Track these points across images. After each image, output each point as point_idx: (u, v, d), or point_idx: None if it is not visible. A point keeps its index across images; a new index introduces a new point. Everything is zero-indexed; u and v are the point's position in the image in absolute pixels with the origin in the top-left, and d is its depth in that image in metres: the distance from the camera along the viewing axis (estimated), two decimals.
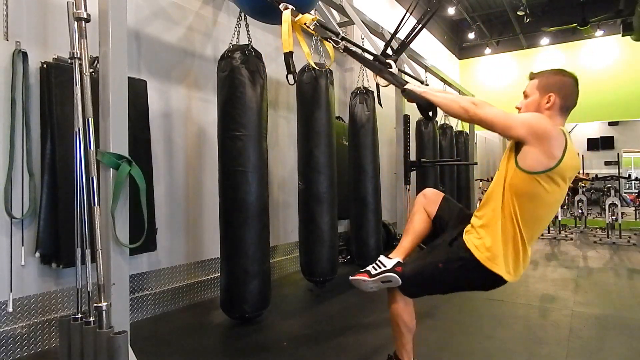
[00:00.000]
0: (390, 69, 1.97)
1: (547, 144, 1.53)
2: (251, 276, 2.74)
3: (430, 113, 1.84)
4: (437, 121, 6.13)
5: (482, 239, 1.66)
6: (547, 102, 1.64)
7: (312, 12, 3.24)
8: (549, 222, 1.71)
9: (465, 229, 1.73)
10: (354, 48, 2.12)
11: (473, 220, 1.74)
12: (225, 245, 2.81)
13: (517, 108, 1.75)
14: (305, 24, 2.10)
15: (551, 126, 1.55)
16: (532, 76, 1.74)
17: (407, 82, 1.91)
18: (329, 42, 2.12)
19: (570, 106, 1.67)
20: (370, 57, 2.02)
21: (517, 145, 1.60)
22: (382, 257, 1.83)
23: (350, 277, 1.84)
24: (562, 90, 1.64)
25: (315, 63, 3.44)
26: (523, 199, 1.60)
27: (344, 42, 2.11)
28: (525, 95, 1.73)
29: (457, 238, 1.73)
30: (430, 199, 1.93)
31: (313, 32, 2.12)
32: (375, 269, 1.80)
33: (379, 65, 1.99)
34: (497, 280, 1.68)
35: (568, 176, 1.61)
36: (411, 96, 1.83)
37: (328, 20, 3.63)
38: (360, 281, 1.81)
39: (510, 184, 1.61)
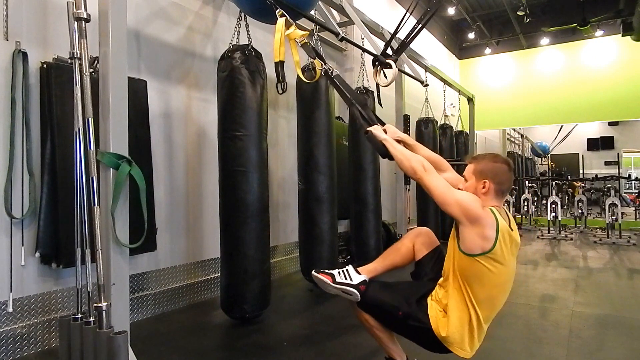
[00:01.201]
0: (386, 72, 1.97)
1: (478, 227, 1.57)
2: (251, 276, 2.74)
3: (388, 157, 1.88)
4: (437, 121, 6.13)
5: (441, 316, 1.69)
6: (483, 187, 1.70)
7: (312, 12, 3.24)
8: (506, 298, 1.74)
9: (431, 293, 1.76)
10: (337, 82, 2.14)
11: (437, 288, 1.76)
12: (225, 245, 2.81)
13: (458, 189, 1.78)
14: (295, 39, 2.12)
15: (480, 208, 1.58)
16: (470, 161, 1.80)
17: (375, 125, 1.94)
18: (318, 60, 2.14)
19: (505, 190, 1.74)
20: (370, 57, 2.02)
21: (457, 228, 1.64)
22: (351, 269, 1.85)
23: (313, 272, 1.86)
24: (496, 177, 1.70)
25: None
26: (472, 281, 1.64)
27: (326, 67, 2.12)
28: (465, 179, 1.78)
29: (424, 296, 1.76)
30: (427, 239, 1.94)
31: (302, 48, 2.14)
32: (341, 278, 1.82)
33: (350, 99, 2.02)
34: (446, 352, 1.71)
35: (511, 253, 1.64)
36: (370, 141, 1.89)
37: (328, 20, 3.62)
38: (322, 281, 1.82)
39: (458, 267, 1.66)
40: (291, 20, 2.19)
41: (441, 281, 1.77)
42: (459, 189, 1.72)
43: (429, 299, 1.75)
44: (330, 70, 2.12)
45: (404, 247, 1.93)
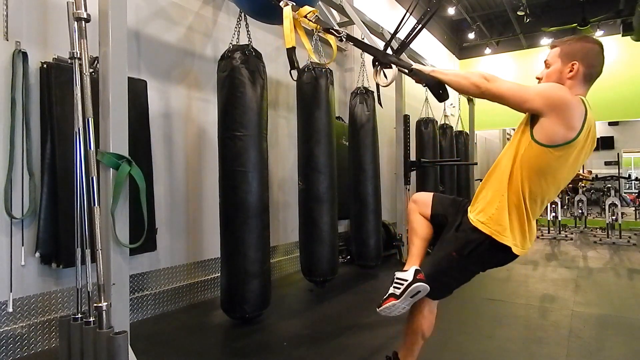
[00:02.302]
0: (386, 72, 1.94)
1: (565, 115, 1.45)
2: (251, 276, 2.74)
3: (441, 92, 1.76)
4: (437, 121, 6.13)
5: (486, 211, 1.61)
6: (570, 71, 1.56)
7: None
8: (552, 200, 1.67)
9: (468, 209, 1.69)
10: (361, 42, 2.08)
11: (476, 199, 1.69)
12: (225, 245, 2.81)
13: (537, 78, 1.68)
14: (306, 16, 2.09)
15: (570, 95, 1.48)
16: (554, 44, 1.66)
17: (413, 64, 1.86)
18: (332, 32, 2.10)
19: (594, 74, 1.58)
20: (371, 57, 2.02)
21: (533, 118, 1.53)
22: (398, 273, 1.73)
23: (379, 309, 1.72)
24: (587, 58, 1.55)
25: (316, 63, 3.44)
26: (534, 173, 1.54)
27: (345, 30, 2.08)
28: (547, 65, 1.64)
29: (462, 222, 1.69)
30: (421, 202, 1.89)
31: (314, 25, 2.11)
32: (398, 288, 1.69)
33: (382, 51, 1.94)
34: (508, 253, 1.62)
35: (585, 151, 1.55)
36: (419, 76, 1.77)
37: (328, 20, 3.63)
38: (390, 307, 1.69)
39: (523, 158, 1.55)
40: (297, 6, 2.17)
41: (479, 192, 1.70)
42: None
43: (465, 218, 1.67)
44: (346, 33, 2.06)
45: (415, 220, 1.88)
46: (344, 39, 2.07)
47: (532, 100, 1.48)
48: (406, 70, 1.82)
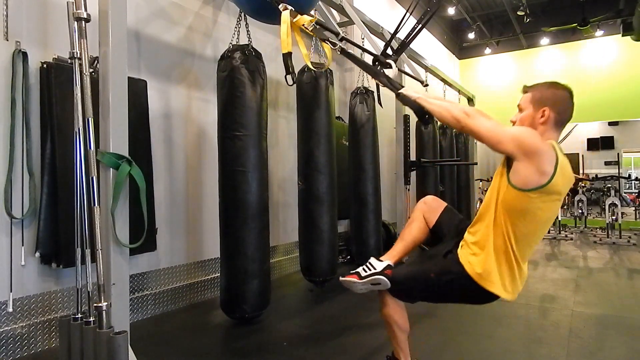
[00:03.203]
0: (386, 72, 1.96)
1: (537, 160, 1.48)
2: (251, 276, 2.74)
3: (426, 116, 1.82)
4: (437, 121, 6.12)
5: (476, 255, 1.64)
6: (542, 117, 1.60)
7: (312, 12, 3.24)
8: (541, 238, 1.68)
9: (460, 243, 1.72)
10: (351, 50, 2.12)
11: (466, 236, 1.72)
12: (225, 245, 2.81)
13: (511, 122, 1.72)
14: (303, 25, 2.10)
15: (540, 142, 1.51)
16: (526, 90, 1.70)
17: (403, 87, 1.90)
18: (327, 43, 2.12)
19: (565, 120, 1.63)
20: (370, 57, 2.02)
21: (509, 161, 1.58)
22: (372, 259, 1.83)
23: (341, 278, 1.85)
24: (557, 105, 1.61)
25: (315, 63, 3.44)
26: (515, 216, 1.58)
27: (341, 44, 2.11)
28: (520, 109, 1.69)
29: (452, 250, 1.72)
30: (432, 207, 1.91)
31: (311, 34, 2.12)
32: (365, 271, 1.79)
33: (374, 68, 1.99)
34: (489, 297, 1.66)
35: (562, 191, 1.58)
36: (404, 101, 1.84)
37: (328, 20, 3.62)
38: (350, 282, 1.80)
39: (503, 201, 1.59)
40: (296, 12, 2.17)
41: (471, 227, 1.72)
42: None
43: (457, 249, 1.70)
44: (344, 44, 2.09)
45: (416, 221, 1.90)
46: (338, 52, 2.09)
47: (506, 143, 1.52)
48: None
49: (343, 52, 2.08)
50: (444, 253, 1.74)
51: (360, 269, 1.81)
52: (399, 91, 1.85)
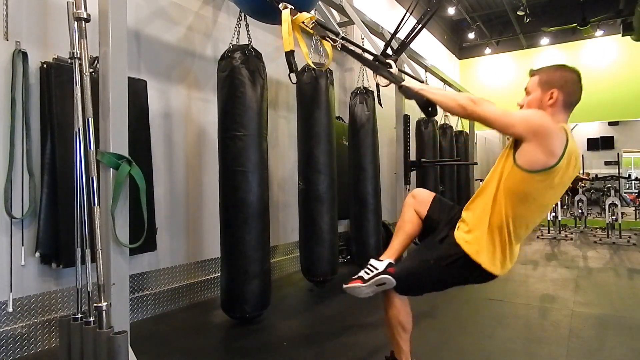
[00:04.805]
0: (388, 68, 1.96)
1: (546, 142, 1.49)
2: (251, 276, 2.74)
3: (430, 109, 1.81)
4: (437, 121, 6.12)
5: (471, 232, 1.65)
6: (550, 99, 1.60)
7: (312, 12, 3.23)
8: (537, 224, 1.69)
9: (457, 225, 1.72)
10: (352, 47, 2.12)
11: (463, 213, 1.73)
12: (225, 245, 2.81)
13: (519, 105, 1.72)
14: (303, 22, 2.09)
15: (552, 123, 1.51)
16: (533, 73, 1.70)
17: (404, 80, 1.89)
18: (327, 40, 2.12)
19: (573, 102, 1.63)
20: (370, 57, 2.02)
21: (517, 143, 1.57)
22: (372, 261, 1.81)
23: (344, 286, 1.81)
24: (565, 87, 1.60)
25: (316, 63, 3.44)
26: (516, 197, 1.58)
27: (342, 41, 2.10)
28: (527, 92, 1.69)
29: (447, 235, 1.72)
30: (420, 199, 1.91)
31: (311, 31, 2.12)
32: (368, 274, 1.77)
33: (375, 63, 1.98)
34: (486, 274, 1.66)
35: (568, 176, 1.58)
36: (408, 93, 1.82)
37: (328, 20, 3.63)
38: (354, 288, 1.78)
39: (506, 182, 1.59)
40: (296, 10, 2.17)
41: (469, 204, 1.73)
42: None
43: (453, 231, 1.70)
44: (344, 40, 2.08)
45: (408, 215, 1.90)
46: (339, 49, 2.09)
47: (516, 125, 1.52)
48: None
49: (344, 48, 2.08)
50: (439, 239, 1.74)
51: (362, 273, 1.79)
52: (402, 83, 1.84)
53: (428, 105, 1.80)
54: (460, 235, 1.68)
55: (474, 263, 1.63)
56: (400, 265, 1.80)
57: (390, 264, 1.78)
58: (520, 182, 1.56)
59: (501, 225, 1.61)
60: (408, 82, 1.87)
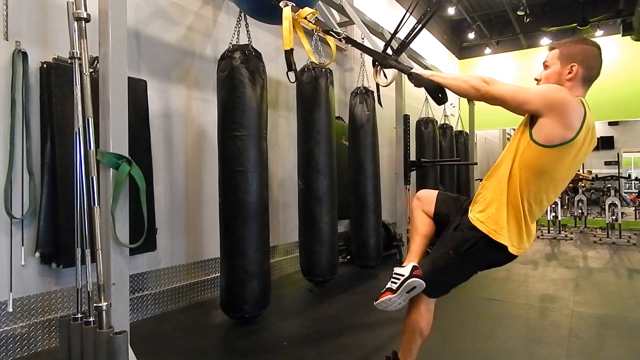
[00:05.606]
0: (386, 72, 1.95)
1: (564, 115, 1.47)
2: (251, 276, 2.74)
3: (440, 95, 1.77)
4: (437, 121, 6.13)
5: (485, 210, 1.63)
6: (569, 73, 1.57)
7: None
8: (552, 201, 1.65)
9: (469, 209, 1.70)
10: (351, 49, 2.11)
11: (477, 197, 1.71)
12: (225, 245, 2.81)
13: (536, 80, 1.70)
14: (305, 17, 2.08)
15: (569, 96, 1.49)
16: (552, 47, 1.67)
17: (412, 68, 1.87)
18: (331, 34, 2.11)
19: (593, 76, 1.60)
20: (370, 57, 2.02)
21: (532, 119, 1.55)
22: (396, 269, 1.75)
23: (375, 303, 1.74)
24: (585, 60, 1.57)
25: (316, 63, 3.44)
26: (532, 174, 1.56)
27: (345, 34, 2.09)
28: (546, 66, 1.66)
29: (460, 222, 1.71)
30: (425, 199, 1.90)
31: (314, 26, 2.11)
32: (395, 282, 1.71)
33: (381, 53, 1.96)
34: (504, 252, 1.63)
35: (585, 150, 1.55)
36: (419, 80, 1.79)
37: (328, 20, 3.63)
38: (386, 302, 1.71)
39: (522, 158, 1.56)
40: (297, 7, 2.17)
41: (484, 181, 1.71)
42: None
43: (466, 216, 1.68)
44: (345, 35, 2.07)
45: (417, 217, 1.89)
46: (343, 41, 2.07)
47: (532, 101, 1.50)
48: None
49: (348, 39, 2.06)
50: (453, 228, 1.72)
51: (389, 284, 1.73)
52: (412, 71, 1.82)
53: (438, 92, 1.76)
54: (474, 215, 1.65)
55: (493, 242, 1.60)
56: (425, 265, 1.76)
57: (414, 267, 1.73)
58: (537, 157, 1.53)
59: (517, 203, 1.59)
60: (417, 69, 1.85)
